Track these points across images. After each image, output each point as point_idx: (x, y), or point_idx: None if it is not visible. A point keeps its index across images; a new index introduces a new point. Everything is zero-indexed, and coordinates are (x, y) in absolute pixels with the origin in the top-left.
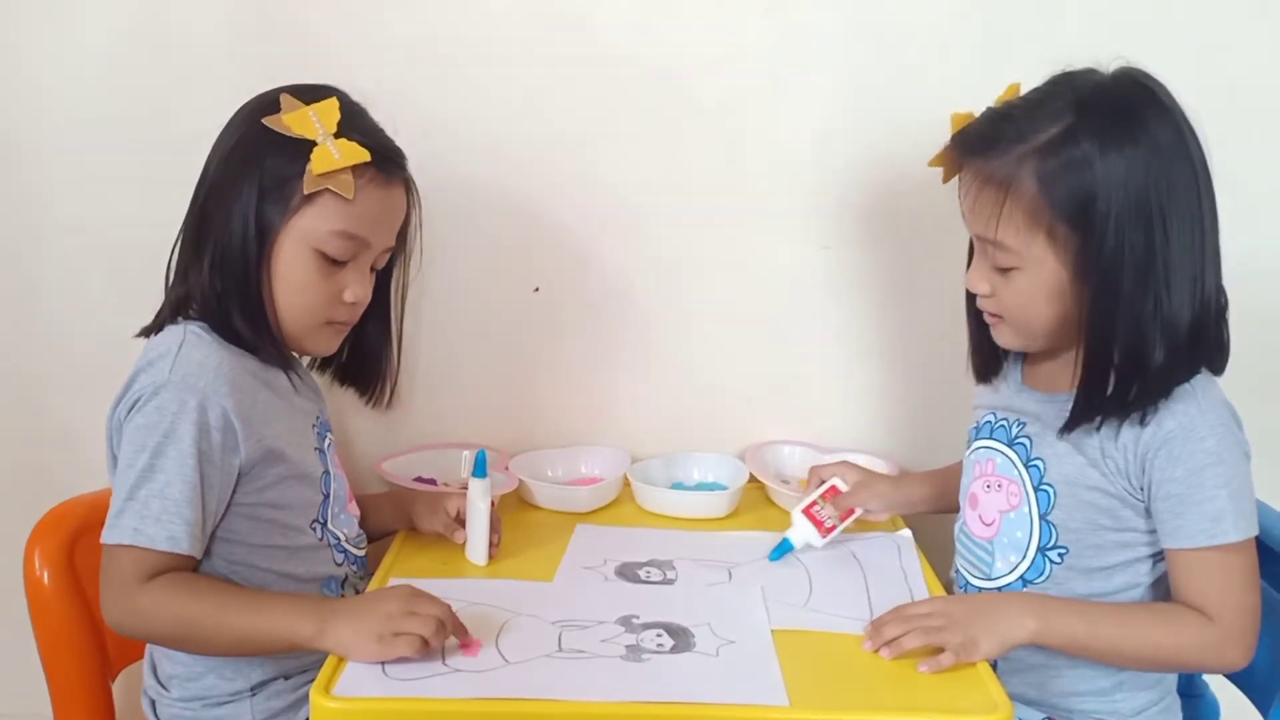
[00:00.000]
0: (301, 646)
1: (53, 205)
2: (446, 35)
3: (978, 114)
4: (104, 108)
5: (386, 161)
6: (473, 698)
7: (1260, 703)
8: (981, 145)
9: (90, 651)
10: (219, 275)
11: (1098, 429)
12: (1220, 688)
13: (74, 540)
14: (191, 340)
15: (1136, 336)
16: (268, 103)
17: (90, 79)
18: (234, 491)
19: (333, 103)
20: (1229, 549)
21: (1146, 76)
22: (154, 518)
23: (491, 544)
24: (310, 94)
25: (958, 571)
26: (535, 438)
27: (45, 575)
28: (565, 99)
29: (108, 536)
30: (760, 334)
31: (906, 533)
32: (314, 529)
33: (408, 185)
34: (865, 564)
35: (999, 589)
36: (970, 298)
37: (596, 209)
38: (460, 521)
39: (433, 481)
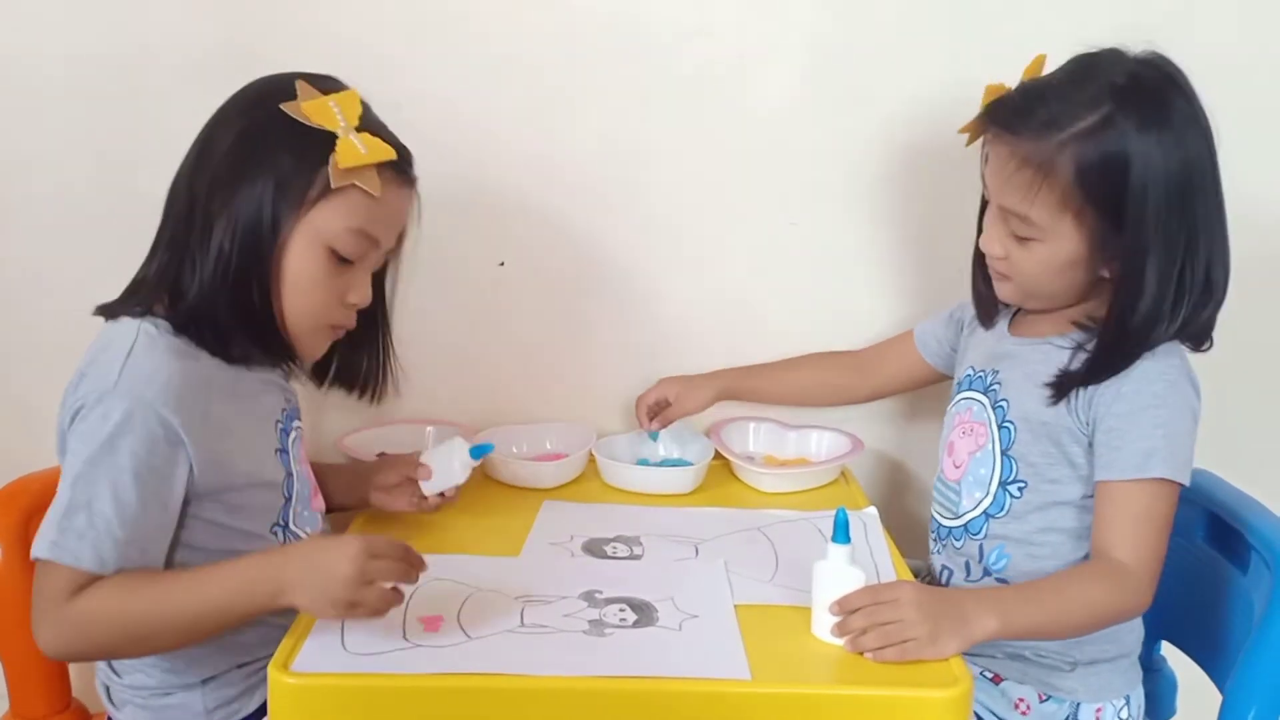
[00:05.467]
0: (259, 614)
1: (9, 179)
2: (417, 4)
3: (1009, 86)
4: (63, 78)
5: (405, 162)
6: (433, 673)
7: (1217, 677)
8: (1017, 123)
9: None
10: (223, 270)
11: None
12: (1178, 662)
13: (28, 518)
14: (144, 344)
15: (1151, 317)
16: (278, 88)
17: (48, 49)
18: (188, 503)
19: (354, 94)
20: (1155, 489)
21: (1169, 64)
22: (77, 534)
23: (444, 495)
24: (322, 83)
25: (933, 518)
26: (500, 413)
27: None
28: (535, 71)
29: (36, 550)
30: (726, 309)
31: (872, 510)
32: (275, 533)
33: (414, 188)
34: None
35: (964, 525)
36: (978, 252)
37: (563, 183)
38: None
39: None
